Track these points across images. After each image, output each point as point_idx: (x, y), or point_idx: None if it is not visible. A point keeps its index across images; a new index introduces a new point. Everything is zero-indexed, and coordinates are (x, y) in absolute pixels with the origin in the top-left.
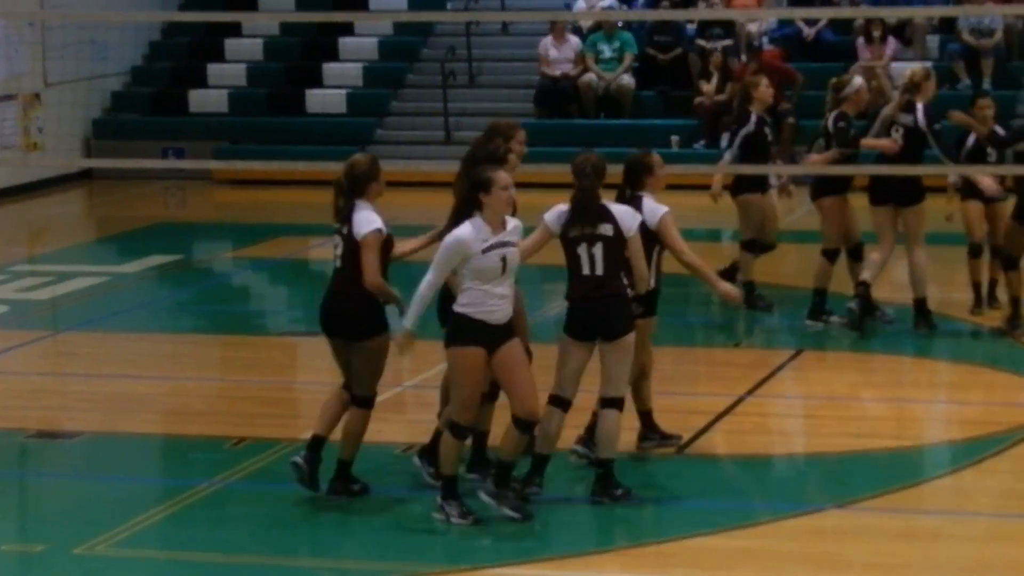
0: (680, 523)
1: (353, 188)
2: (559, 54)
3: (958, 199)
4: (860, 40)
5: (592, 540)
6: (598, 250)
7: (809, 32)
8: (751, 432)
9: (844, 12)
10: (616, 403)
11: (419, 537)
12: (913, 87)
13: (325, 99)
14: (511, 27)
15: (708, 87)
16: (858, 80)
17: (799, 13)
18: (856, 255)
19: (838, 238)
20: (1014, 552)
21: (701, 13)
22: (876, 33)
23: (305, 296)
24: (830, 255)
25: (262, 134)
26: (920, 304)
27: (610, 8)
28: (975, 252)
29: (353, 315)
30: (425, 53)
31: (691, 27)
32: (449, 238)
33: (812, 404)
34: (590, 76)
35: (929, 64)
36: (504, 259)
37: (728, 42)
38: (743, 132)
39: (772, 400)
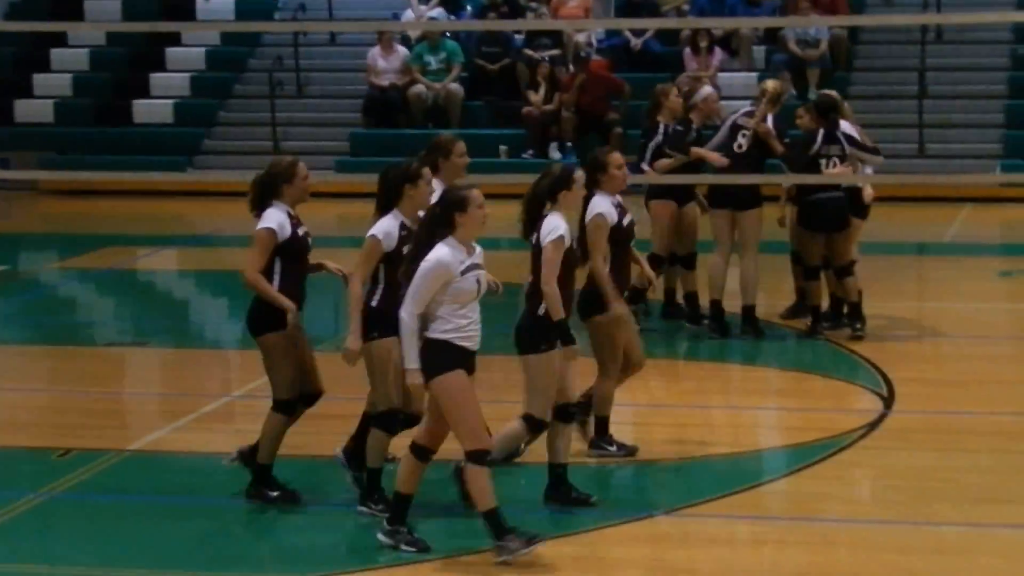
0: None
1: (268, 188)
2: (387, 64)
3: (790, 205)
4: (687, 50)
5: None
6: None
7: (636, 42)
8: (582, 440)
9: (670, 23)
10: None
11: (241, 546)
12: (776, 98)
13: (152, 109)
14: (339, 37)
15: (536, 97)
16: (707, 89)
17: (626, 23)
18: (688, 264)
19: (664, 244)
20: (846, 557)
21: (529, 24)
22: (703, 44)
23: (131, 307)
24: (656, 261)
25: (88, 144)
26: (748, 311)
27: (437, 19)
28: (809, 273)
29: (251, 311)
30: (253, 63)
31: (519, 37)
32: (430, 263)
33: (642, 412)
34: (418, 87)
35: (755, 75)
36: (479, 281)
37: (556, 52)
38: (652, 143)
39: None
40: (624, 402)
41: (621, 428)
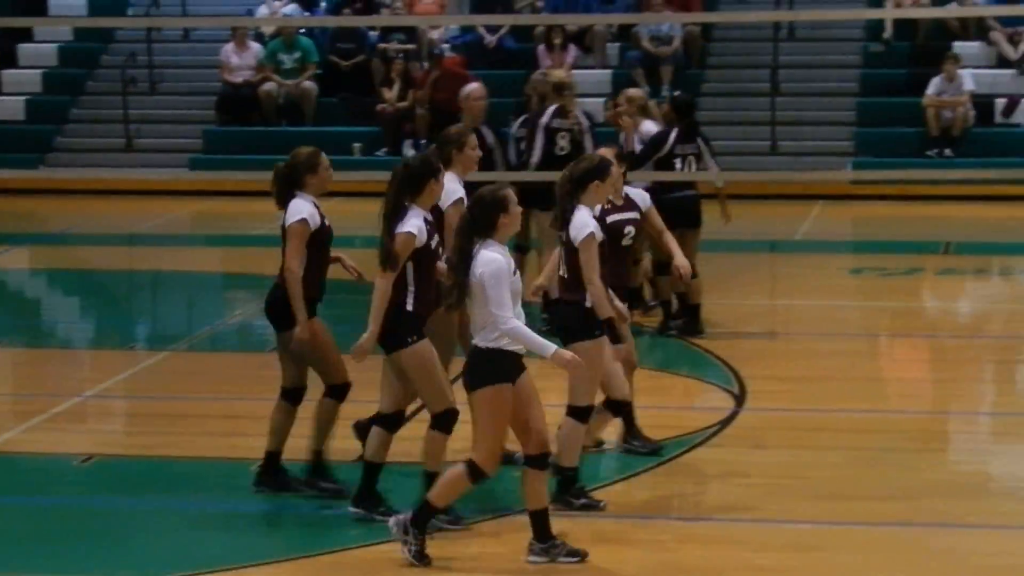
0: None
1: (291, 179)
2: (240, 61)
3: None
4: (541, 47)
5: (264, 550)
6: None
7: (491, 39)
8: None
9: (524, 19)
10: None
11: (90, 547)
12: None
13: (3, 106)
14: (192, 34)
15: (390, 94)
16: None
17: (480, 20)
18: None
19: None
20: (699, 554)
21: (383, 20)
22: (557, 40)
23: None
24: None
25: None
26: None
27: (291, 15)
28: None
29: (274, 306)
30: (105, 59)
31: (373, 33)
32: (498, 265)
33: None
34: (271, 84)
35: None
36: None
37: (411, 46)
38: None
39: None
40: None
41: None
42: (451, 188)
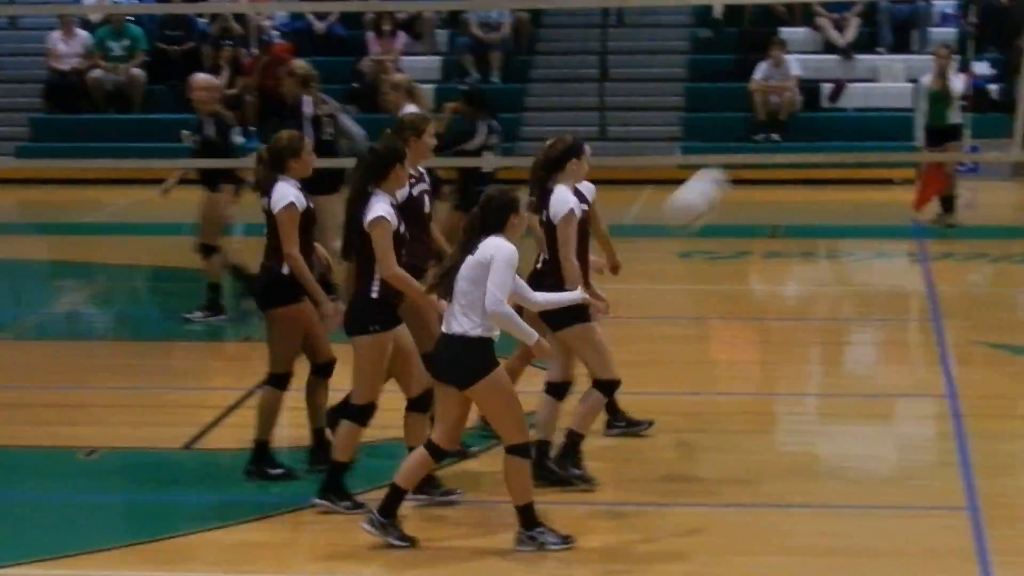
0: (190, 517)
1: (274, 163)
2: (68, 48)
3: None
4: (370, 34)
5: (97, 537)
6: None
7: (320, 26)
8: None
9: (353, 6)
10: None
11: None
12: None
13: None
14: (19, 21)
15: (219, 81)
16: (198, 76)
17: (308, 7)
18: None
19: (210, 232)
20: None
21: (212, 7)
22: (386, 27)
23: None
24: (204, 250)
25: None
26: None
27: (120, 2)
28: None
29: (263, 286)
30: None
31: (203, 21)
32: (509, 251)
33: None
34: (98, 71)
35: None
36: None
37: (240, 31)
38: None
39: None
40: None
41: (300, 414)
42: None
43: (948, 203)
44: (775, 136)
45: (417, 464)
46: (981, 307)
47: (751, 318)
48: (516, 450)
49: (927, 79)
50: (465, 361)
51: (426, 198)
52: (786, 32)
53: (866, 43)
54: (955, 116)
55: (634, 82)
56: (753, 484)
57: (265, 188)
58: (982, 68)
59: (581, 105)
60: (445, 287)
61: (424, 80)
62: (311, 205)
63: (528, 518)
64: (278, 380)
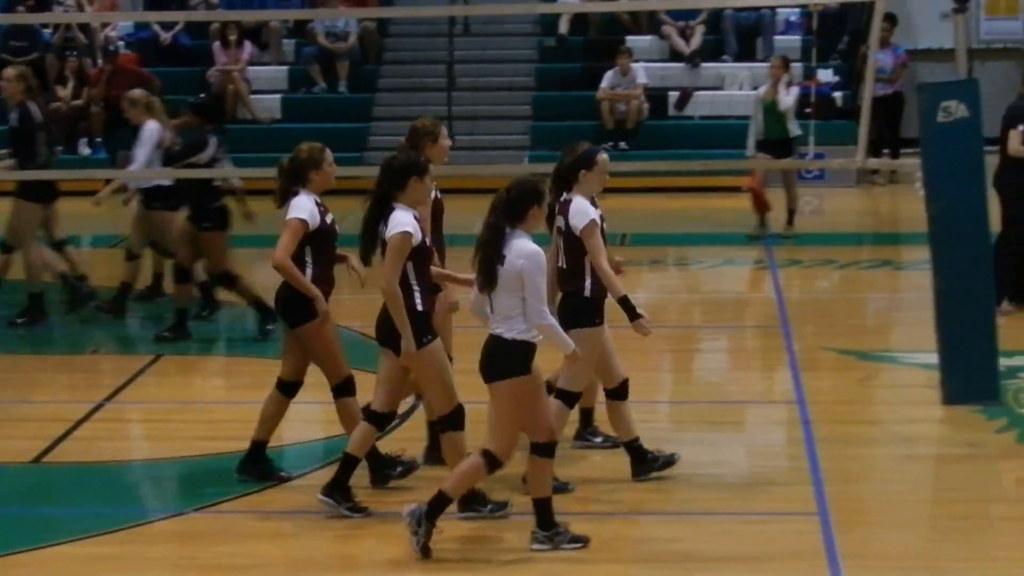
0: (37, 532)
1: (294, 175)
2: None
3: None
4: (216, 44)
5: None
6: None
7: (165, 36)
8: (110, 438)
9: (199, 15)
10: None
11: None
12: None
13: None
14: None
15: (64, 92)
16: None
17: (153, 17)
18: (59, 247)
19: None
20: (373, 546)
21: (57, 17)
22: (232, 37)
23: None
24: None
25: None
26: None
27: None
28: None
29: (285, 304)
30: None
31: (47, 31)
32: (539, 257)
33: (172, 409)
34: None
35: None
36: None
37: (85, 41)
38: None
39: (131, 406)
40: (154, 400)
41: (152, 426)
42: None
43: (764, 214)
44: (622, 144)
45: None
46: (828, 313)
47: None
48: (541, 449)
49: (762, 90)
50: (497, 359)
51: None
52: (632, 40)
53: (712, 51)
54: (792, 129)
55: (481, 91)
56: (604, 492)
57: (283, 200)
58: (826, 75)
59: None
60: (487, 277)
61: (271, 90)
62: (328, 220)
63: (545, 516)
64: (346, 387)
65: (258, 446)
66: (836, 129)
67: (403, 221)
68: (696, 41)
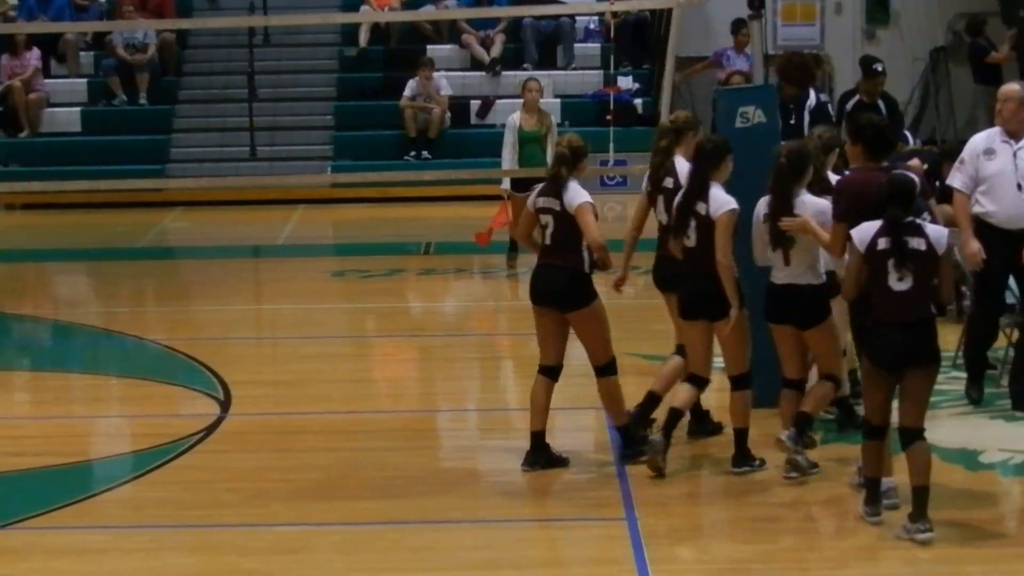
0: None
1: (574, 164)
2: None
3: None
4: (3, 56)
5: None
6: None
7: None
8: None
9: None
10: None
11: None
12: None
13: None
14: None
15: None
16: None
17: None
18: None
19: None
20: (184, 560)
21: None
22: (20, 38)
23: None
24: None
25: None
26: None
27: None
28: None
29: (569, 287)
30: None
31: None
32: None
33: None
34: None
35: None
36: None
37: None
38: None
39: None
40: None
41: None
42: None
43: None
44: (425, 153)
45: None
46: (633, 319)
47: (407, 335)
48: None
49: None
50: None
51: None
52: (433, 49)
53: (512, 60)
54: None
55: (283, 101)
56: (414, 501)
57: (559, 187)
58: (626, 82)
59: (230, 126)
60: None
61: (71, 103)
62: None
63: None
64: (611, 367)
65: (539, 436)
66: (636, 136)
67: (727, 199)
68: (496, 50)
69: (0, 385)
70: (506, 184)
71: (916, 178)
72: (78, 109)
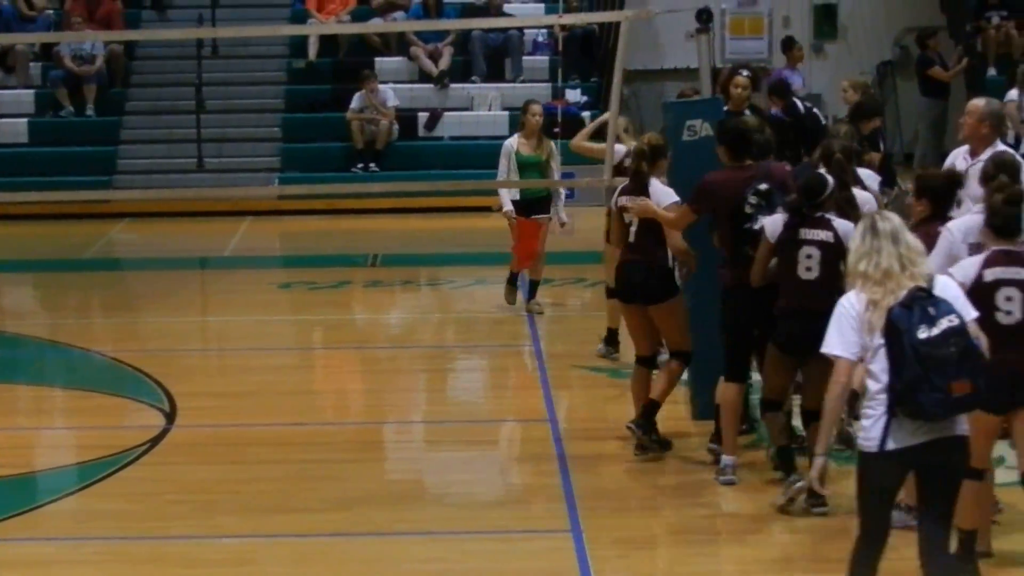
0: None
1: (653, 161)
2: None
3: None
4: None
5: None
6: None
7: None
8: None
9: None
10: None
11: None
12: None
13: None
14: None
15: None
16: None
17: None
18: None
19: None
20: (130, 572)
21: None
22: None
23: None
24: None
25: None
26: None
27: None
28: None
29: (655, 280)
30: None
31: None
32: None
33: None
34: None
35: None
36: None
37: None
38: None
39: None
40: None
41: None
42: None
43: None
44: (372, 166)
45: None
46: (579, 331)
47: (354, 346)
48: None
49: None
50: None
51: None
52: (381, 61)
53: (461, 72)
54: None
55: (231, 113)
56: (360, 512)
57: (642, 185)
58: (575, 95)
59: (177, 137)
60: None
61: (18, 114)
62: None
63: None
64: (686, 356)
65: (651, 411)
66: None
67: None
68: (444, 62)
69: None
70: (508, 207)
71: (826, 176)
72: (25, 120)
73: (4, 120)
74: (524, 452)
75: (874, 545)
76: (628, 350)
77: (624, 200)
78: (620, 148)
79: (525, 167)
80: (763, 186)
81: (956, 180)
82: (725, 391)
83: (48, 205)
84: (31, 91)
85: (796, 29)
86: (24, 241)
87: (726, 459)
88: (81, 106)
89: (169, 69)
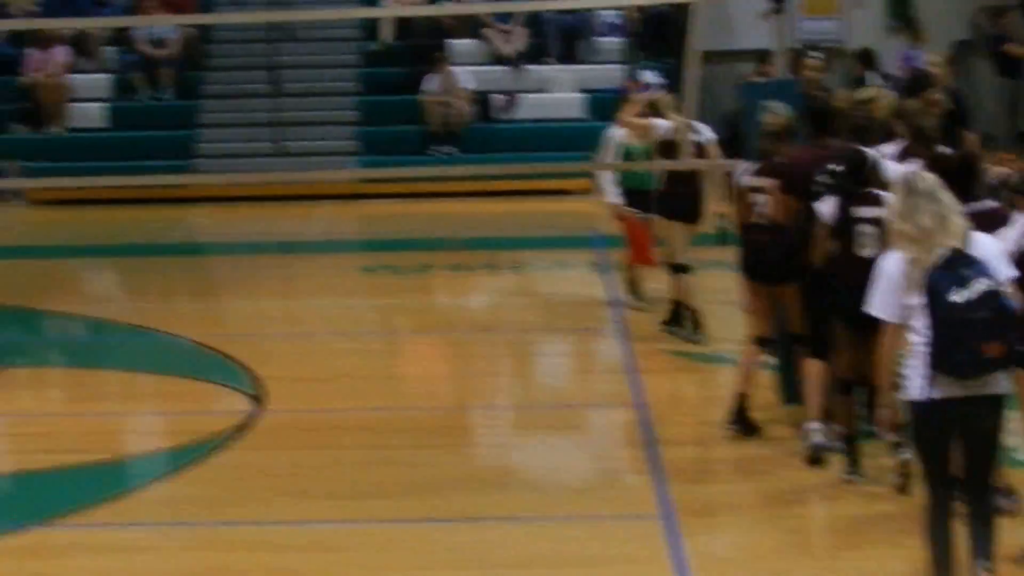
0: None
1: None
2: None
3: None
4: (33, 51)
5: None
6: None
7: None
8: None
9: (18, 24)
10: None
11: None
12: None
13: None
14: None
15: None
16: None
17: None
18: None
19: None
20: (219, 558)
21: None
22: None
23: None
24: None
25: None
26: None
27: None
28: None
29: (786, 259)
30: None
31: None
32: None
33: (14, 421)
34: None
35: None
36: None
37: None
38: None
39: None
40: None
41: None
42: None
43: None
44: (450, 148)
45: None
46: (664, 314)
47: (438, 331)
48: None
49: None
50: None
51: None
52: (455, 44)
53: (534, 54)
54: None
55: (307, 96)
56: (446, 498)
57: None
58: (652, 76)
59: (255, 121)
60: None
61: (94, 98)
62: None
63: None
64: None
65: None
66: None
67: None
68: (518, 43)
69: (33, 382)
70: (614, 198)
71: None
72: (103, 105)
73: (81, 104)
74: (611, 437)
75: (942, 503)
76: (716, 330)
77: (755, 180)
78: (663, 124)
79: (634, 158)
80: (836, 167)
81: (971, 162)
82: (809, 366)
83: (128, 190)
84: (107, 75)
85: (869, 10)
86: (104, 226)
87: (811, 425)
88: (158, 89)
89: (245, 52)
